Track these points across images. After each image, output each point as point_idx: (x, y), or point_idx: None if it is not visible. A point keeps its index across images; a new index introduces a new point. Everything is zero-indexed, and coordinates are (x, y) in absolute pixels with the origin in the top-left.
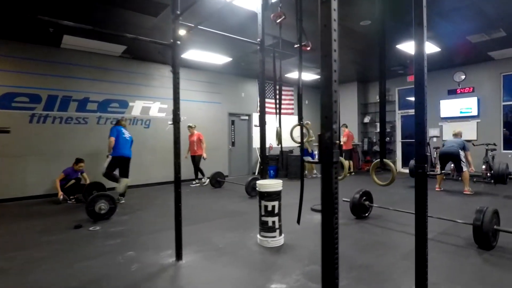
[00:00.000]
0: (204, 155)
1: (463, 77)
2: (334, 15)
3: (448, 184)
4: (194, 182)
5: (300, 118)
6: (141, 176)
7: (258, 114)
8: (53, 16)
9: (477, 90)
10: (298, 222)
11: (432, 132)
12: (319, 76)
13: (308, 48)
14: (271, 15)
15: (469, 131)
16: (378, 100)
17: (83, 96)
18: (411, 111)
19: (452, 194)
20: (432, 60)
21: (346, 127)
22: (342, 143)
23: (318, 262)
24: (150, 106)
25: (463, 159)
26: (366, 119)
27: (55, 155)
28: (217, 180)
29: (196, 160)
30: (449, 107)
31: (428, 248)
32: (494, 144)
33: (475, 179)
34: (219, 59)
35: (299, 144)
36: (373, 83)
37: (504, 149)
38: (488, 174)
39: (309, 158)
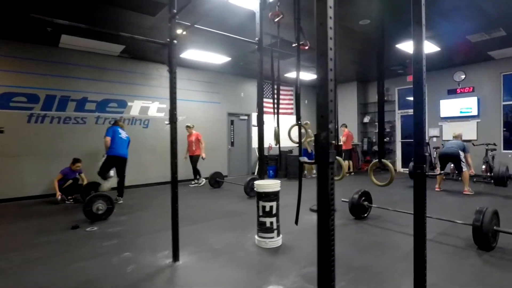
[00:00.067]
0: (203, 155)
1: (463, 76)
2: (330, 12)
3: (448, 184)
4: (193, 182)
5: (298, 118)
6: (140, 176)
7: (256, 113)
8: (53, 16)
9: (477, 90)
10: (296, 223)
11: (432, 132)
12: None
13: (306, 47)
14: (269, 14)
15: (469, 131)
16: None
17: (81, 96)
18: (411, 111)
19: (452, 194)
20: (432, 60)
21: (346, 127)
22: (341, 142)
23: (316, 263)
24: (149, 106)
25: (463, 159)
26: (366, 119)
27: (53, 155)
28: (216, 180)
29: (193, 160)
30: (449, 107)
31: (427, 249)
32: (494, 144)
33: (475, 179)
34: (218, 58)
35: (298, 144)
36: (373, 83)
37: (504, 149)
38: (488, 174)
39: (305, 159)
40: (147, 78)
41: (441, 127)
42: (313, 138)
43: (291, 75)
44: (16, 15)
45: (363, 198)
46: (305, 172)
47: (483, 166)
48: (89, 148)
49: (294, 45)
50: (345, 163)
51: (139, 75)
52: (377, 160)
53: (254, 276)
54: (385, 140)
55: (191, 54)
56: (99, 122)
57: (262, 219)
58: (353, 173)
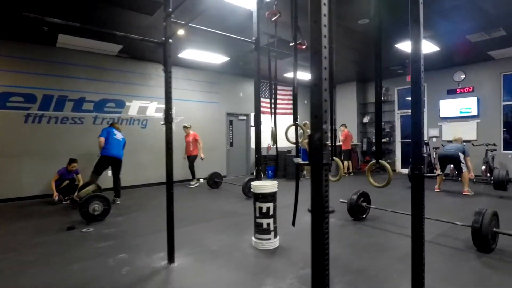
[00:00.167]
0: (202, 155)
1: (462, 76)
2: (325, 10)
3: (448, 184)
4: (192, 183)
5: (295, 118)
6: (139, 176)
7: (253, 114)
8: (52, 16)
9: (477, 90)
10: (293, 224)
11: (431, 132)
12: None
13: (304, 47)
14: (266, 13)
15: (469, 131)
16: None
17: (79, 96)
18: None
19: (452, 195)
20: (431, 60)
21: (346, 127)
22: (340, 142)
23: None
24: (147, 106)
25: (463, 161)
26: (365, 119)
27: (50, 155)
28: (215, 181)
29: (190, 160)
30: (448, 107)
31: (425, 251)
32: (494, 145)
33: (474, 180)
34: (217, 58)
35: (295, 145)
36: (373, 83)
37: (504, 149)
38: (488, 175)
39: (299, 160)
40: (146, 78)
41: (441, 127)
42: None
43: (290, 75)
44: (10, 14)
45: (362, 199)
46: (304, 172)
47: (483, 167)
48: (86, 149)
49: (291, 44)
50: (345, 164)
51: (138, 75)
52: (374, 161)
53: (250, 278)
54: (384, 140)
55: (190, 54)
56: (97, 122)
57: (259, 220)
58: (352, 174)
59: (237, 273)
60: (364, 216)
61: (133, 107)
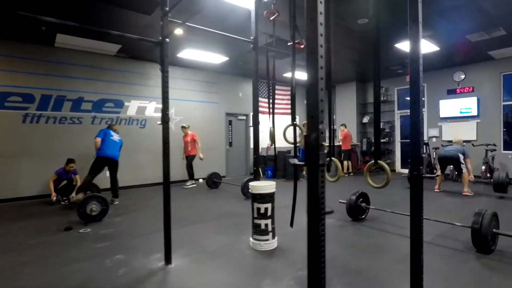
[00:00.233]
0: (201, 155)
1: (462, 76)
2: (321, 7)
3: (448, 185)
4: (188, 183)
5: (293, 118)
6: (138, 176)
7: (252, 113)
8: (51, 16)
9: (477, 90)
10: (291, 225)
11: (431, 132)
12: None
13: (302, 46)
14: (264, 12)
15: (469, 131)
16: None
17: (77, 95)
18: None
19: (452, 195)
20: (431, 60)
21: (345, 127)
22: (339, 142)
23: None
24: (146, 106)
25: (463, 162)
26: (365, 119)
27: (48, 156)
28: (214, 181)
29: (188, 160)
30: (448, 107)
31: (425, 252)
32: (494, 145)
33: (474, 181)
34: (216, 58)
35: (298, 144)
36: (372, 83)
37: (504, 149)
38: (488, 175)
39: (295, 161)
40: (144, 77)
41: (441, 127)
42: None
43: (289, 75)
44: (7, 13)
45: (361, 199)
46: (304, 173)
47: (483, 167)
48: (85, 149)
49: (289, 43)
50: (344, 164)
51: (136, 75)
52: (373, 161)
53: (247, 279)
54: (384, 140)
55: (189, 53)
56: (96, 122)
57: (257, 221)
58: (352, 174)
59: (234, 274)
60: (363, 216)
61: (131, 107)
